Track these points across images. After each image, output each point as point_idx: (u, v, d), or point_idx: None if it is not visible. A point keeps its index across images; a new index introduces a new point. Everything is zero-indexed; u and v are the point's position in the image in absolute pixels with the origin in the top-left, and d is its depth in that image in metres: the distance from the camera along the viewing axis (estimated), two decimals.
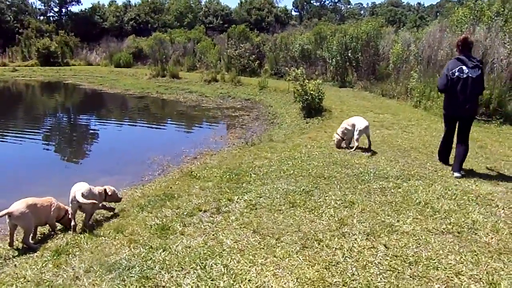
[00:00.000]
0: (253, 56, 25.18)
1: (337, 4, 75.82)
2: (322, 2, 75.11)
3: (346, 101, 14.09)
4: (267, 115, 14.55)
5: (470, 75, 5.53)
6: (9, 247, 4.29)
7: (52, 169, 8.91)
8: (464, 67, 5.58)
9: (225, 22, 55.58)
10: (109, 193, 4.94)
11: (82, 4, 62.48)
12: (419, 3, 67.83)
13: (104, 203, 4.92)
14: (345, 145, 7.09)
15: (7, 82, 27.34)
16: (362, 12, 77.51)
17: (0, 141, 11.47)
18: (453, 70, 5.64)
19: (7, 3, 51.24)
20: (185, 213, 4.46)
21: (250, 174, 5.71)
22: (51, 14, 55.95)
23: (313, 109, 12.01)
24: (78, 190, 4.42)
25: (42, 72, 33.14)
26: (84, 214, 4.66)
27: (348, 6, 77.99)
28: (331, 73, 20.62)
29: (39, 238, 4.57)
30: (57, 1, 54.89)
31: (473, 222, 4.05)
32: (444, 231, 3.85)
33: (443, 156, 6.21)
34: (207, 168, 6.39)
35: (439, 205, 4.44)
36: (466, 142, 5.76)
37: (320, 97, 12.11)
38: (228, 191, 5.04)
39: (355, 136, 6.86)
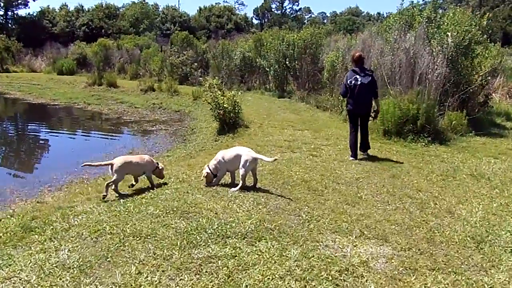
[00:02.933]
0: (195, 64, 23.54)
1: (298, 13, 75.29)
2: (283, 11, 74.46)
3: (273, 114, 12.60)
4: (186, 130, 12.88)
5: (363, 82, 6.94)
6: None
7: None
8: (358, 76, 6.98)
9: (183, 29, 53.58)
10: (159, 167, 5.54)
11: (29, 8, 58.85)
12: (378, 13, 67.89)
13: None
14: (215, 182, 5.35)
15: None
16: (325, 21, 77.30)
17: None
18: (350, 79, 7.03)
19: None
20: None
21: (51, 226, 3.98)
22: None
23: (226, 124, 10.41)
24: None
25: None
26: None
27: (310, 15, 77.60)
28: (274, 83, 19.19)
29: None
30: (1, 4, 51.51)
31: None
32: None
33: (353, 147, 7.24)
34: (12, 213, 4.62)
35: None
36: (366, 129, 7.38)
37: (236, 110, 10.54)
38: None
39: (242, 172, 5.07)
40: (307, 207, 4.60)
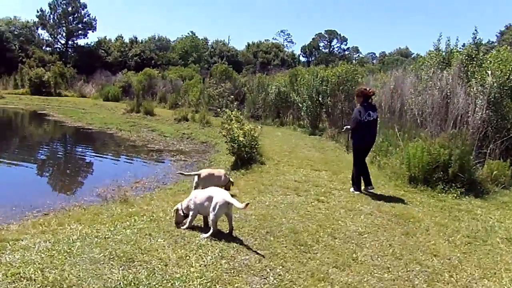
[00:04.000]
0: (232, 96, 23.43)
1: (346, 52, 74.87)
2: (331, 49, 74.37)
3: (296, 151, 11.82)
4: (204, 161, 12.36)
5: (373, 117, 7.19)
6: None
7: None
8: (371, 112, 7.16)
9: (230, 63, 54.63)
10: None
11: (88, 38, 62.50)
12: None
13: None
14: (186, 225, 4.61)
15: None
16: (374, 61, 76.42)
17: None
18: (364, 115, 7.09)
19: (15, 32, 51.84)
20: None
21: None
22: (58, 45, 56.21)
23: (240, 159, 9.76)
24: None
25: (28, 101, 32.31)
26: None
27: (358, 54, 76.97)
28: (307, 119, 18.49)
29: None
30: (63, 34, 55.28)
31: None
32: None
33: (365, 179, 7.41)
34: None
35: None
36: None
37: (252, 145, 9.87)
38: None
39: (212, 217, 4.36)
40: (281, 266, 3.75)
